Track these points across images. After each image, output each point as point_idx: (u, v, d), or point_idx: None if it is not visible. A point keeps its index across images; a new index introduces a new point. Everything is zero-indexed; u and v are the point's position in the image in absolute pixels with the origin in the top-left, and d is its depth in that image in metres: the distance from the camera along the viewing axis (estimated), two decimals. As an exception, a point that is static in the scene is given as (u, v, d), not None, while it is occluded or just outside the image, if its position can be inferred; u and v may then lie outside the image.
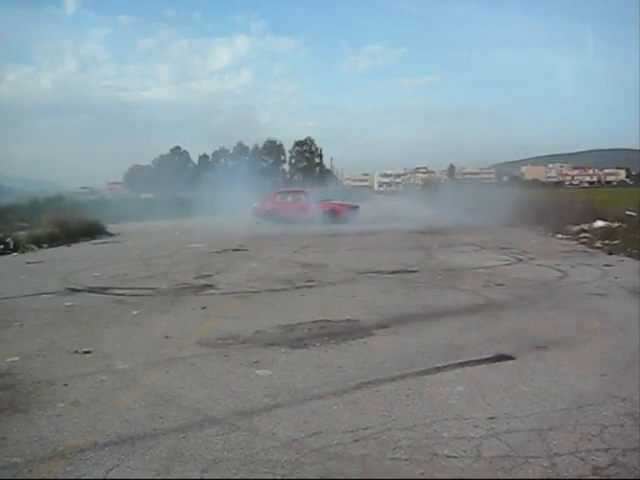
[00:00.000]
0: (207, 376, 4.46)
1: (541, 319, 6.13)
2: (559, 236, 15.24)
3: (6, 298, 7.93)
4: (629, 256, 11.00)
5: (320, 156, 78.88)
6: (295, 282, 8.75)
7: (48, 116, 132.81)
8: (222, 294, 8.02)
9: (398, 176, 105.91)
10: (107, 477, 2.94)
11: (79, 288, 8.72)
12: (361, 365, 4.64)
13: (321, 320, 6.14)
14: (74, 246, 15.93)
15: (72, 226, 17.72)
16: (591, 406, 3.68)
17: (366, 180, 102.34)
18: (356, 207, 23.74)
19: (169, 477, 2.92)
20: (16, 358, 5.01)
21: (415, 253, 12.18)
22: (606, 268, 9.51)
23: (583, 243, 13.61)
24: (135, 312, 6.82)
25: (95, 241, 17.38)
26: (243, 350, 5.16)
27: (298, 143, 78.93)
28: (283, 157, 79.31)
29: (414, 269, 9.95)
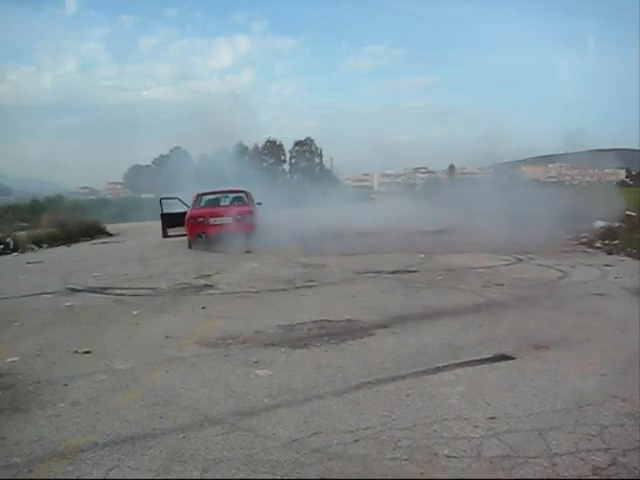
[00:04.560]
0: (207, 376, 4.46)
1: (541, 319, 6.12)
2: (559, 236, 15.21)
3: (6, 298, 7.94)
4: (629, 256, 10.99)
5: (320, 156, 78.78)
6: (295, 282, 8.75)
7: (48, 116, 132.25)
8: (222, 294, 8.02)
9: (398, 176, 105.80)
10: (107, 477, 2.94)
11: (79, 288, 8.72)
12: (361, 365, 4.64)
13: (321, 320, 6.14)
14: (74, 246, 15.93)
15: (72, 226, 17.74)
16: (591, 406, 3.68)
17: (366, 180, 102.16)
18: None
19: (169, 477, 2.92)
20: (16, 358, 5.01)
21: (415, 253, 12.16)
22: (606, 268, 9.50)
23: (583, 243, 13.62)
24: (135, 312, 6.82)
25: (95, 241, 17.39)
26: (243, 350, 5.16)
27: (298, 143, 78.82)
28: (283, 157, 79.26)
29: (414, 269, 9.95)
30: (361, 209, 25.62)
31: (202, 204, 14.83)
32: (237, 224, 13.39)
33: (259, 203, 15.23)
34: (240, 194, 15.36)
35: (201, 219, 13.77)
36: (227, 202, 15.22)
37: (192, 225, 13.74)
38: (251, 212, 14.12)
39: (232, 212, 13.92)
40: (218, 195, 15.48)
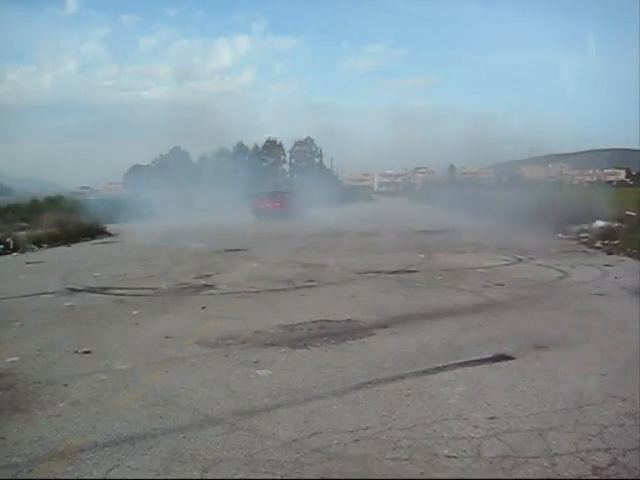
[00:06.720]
0: (207, 376, 4.46)
1: (541, 319, 6.13)
2: (559, 236, 15.24)
3: (6, 298, 7.93)
4: (629, 256, 11.00)
5: (320, 156, 78.67)
6: (295, 282, 8.75)
7: (48, 116, 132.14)
8: (222, 294, 8.02)
9: (398, 176, 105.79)
10: (107, 477, 2.94)
11: (79, 288, 8.72)
12: (361, 365, 4.64)
13: (321, 320, 6.14)
14: (74, 246, 15.92)
15: (72, 226, 17.72)
16: (591, 406, 3.68)
17: (366, 180, 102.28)
18: None
19: (169, 477, 2.92)
20: (16, 358, 5.01)
21: (415, 253, 12.17)
22: (606, 268, 9.51)
23: (583, 243, 13.62)
24: (135, 312, 6.82)
25: (95, 241, 17.38)
26: (243, 350, 5.16)
27: (298, 143, 78.71)
28: (283, 157, 79.17)
29: (414, 269, 9.95)
30: (344, 211, 25.67)
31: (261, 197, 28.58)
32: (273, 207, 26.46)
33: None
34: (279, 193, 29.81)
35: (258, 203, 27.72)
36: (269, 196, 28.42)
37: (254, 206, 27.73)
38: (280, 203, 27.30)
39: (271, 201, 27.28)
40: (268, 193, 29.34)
